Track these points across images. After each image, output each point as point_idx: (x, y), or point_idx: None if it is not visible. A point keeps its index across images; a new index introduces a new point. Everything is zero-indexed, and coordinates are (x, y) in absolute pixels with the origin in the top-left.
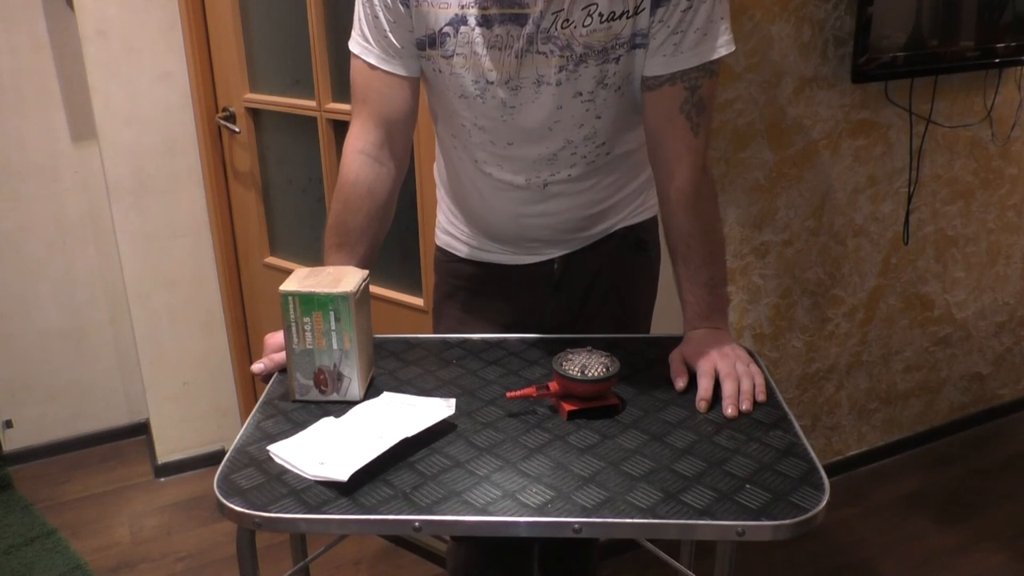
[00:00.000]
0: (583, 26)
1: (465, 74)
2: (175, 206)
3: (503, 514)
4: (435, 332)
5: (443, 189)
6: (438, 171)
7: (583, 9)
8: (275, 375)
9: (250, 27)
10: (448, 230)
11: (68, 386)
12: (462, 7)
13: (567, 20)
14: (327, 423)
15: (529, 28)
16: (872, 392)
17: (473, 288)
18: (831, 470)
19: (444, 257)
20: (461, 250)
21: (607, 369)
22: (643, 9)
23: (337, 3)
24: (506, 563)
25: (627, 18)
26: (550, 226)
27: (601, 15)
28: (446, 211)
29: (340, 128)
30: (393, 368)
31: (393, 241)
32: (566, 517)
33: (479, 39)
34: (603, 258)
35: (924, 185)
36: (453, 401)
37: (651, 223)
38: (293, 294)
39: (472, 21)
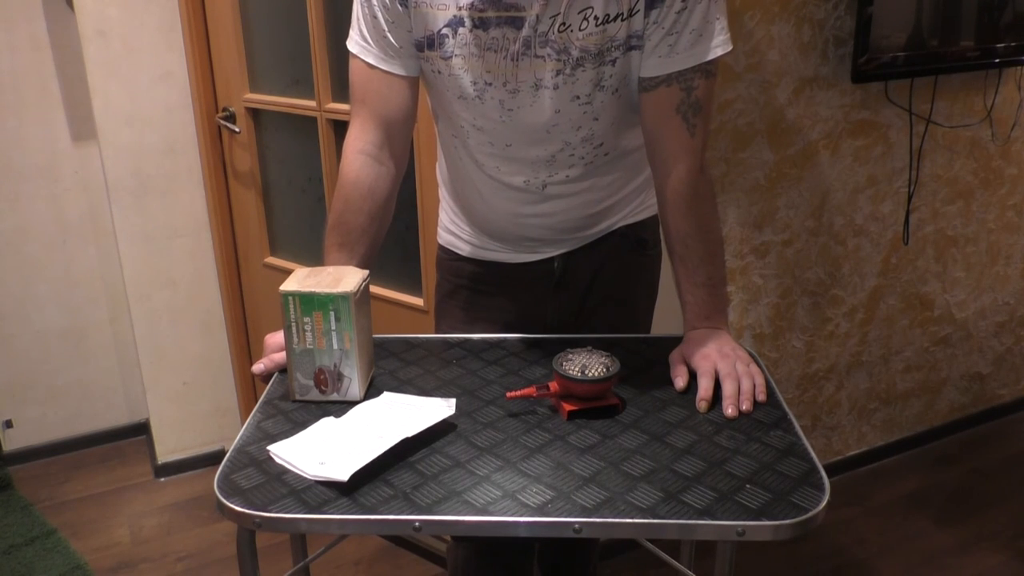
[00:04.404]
0: (579, 30)
1: (464, 75)
2: (175, 206)
3: (503, 514)
4: (437, 330)
5: (445, 188)
6: (440, 171)
7: (579, 13)
8: (275, 375)
9: (250, 27)
10: (450, 229)
11: (68, 386)
12: (460, 8)
13: (564, 24)
14: (327, 423)
15: (526, 31)
16: (872, 392)
17: (475, 286)
18: (831, 470)
19: (446, 255)
20: (463, 249)
21: (607, 369)
22: (637, 11)
23: (337, 3)
24: (506, 563)
25: (622, 20)
26: (549, 226)
27: (596, 18)
28: (448, 210)
29: (340, 128)
30: (393, 368)
31: (393, 241)
32: (566, 517)
33: (477, 41)
34: (603, 257)
35: (924, 185)
36: (453, 401)
37: (651, 222)
38: (293, 294)
39: (469, 23)
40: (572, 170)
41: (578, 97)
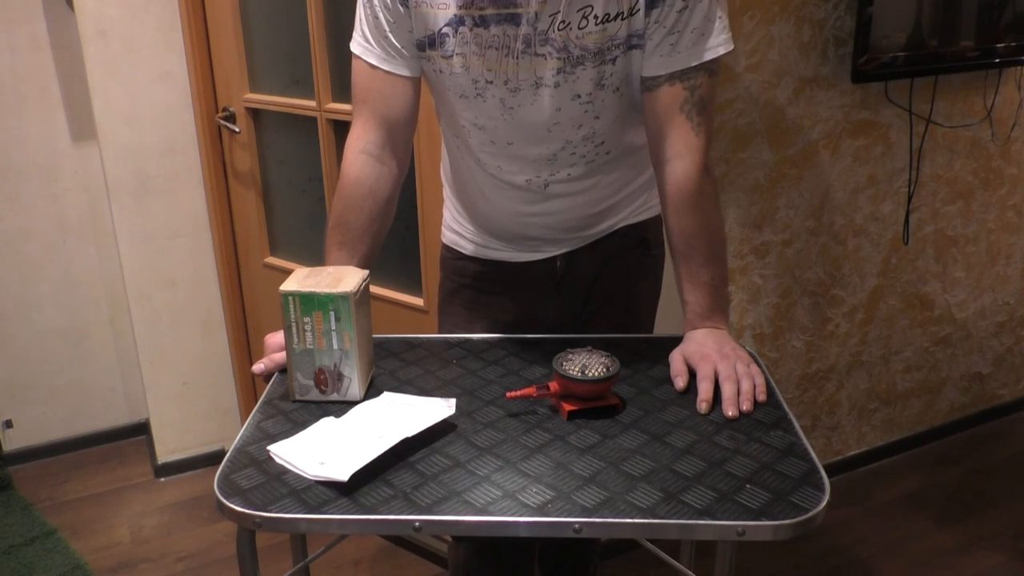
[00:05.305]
0: (579, 28)
1: (465, 74)
2: (175, 206)
3: (503, 514)
4: (440, 328)
5: (448, 187)
6: (443, 169)
7: (578, 11)
8: (275, 375)
9: (250, 27)
10: (453, 227)
11: (68, 386)
12: (460, 7)
13: (564, 22)
14: (327, 423)
15: (525, 29)
16: (872, 392)
17: (477, 285)
18: (831, 470)
19: (449, 254)
20: (466, 247)
21: (607, 369)
22: (638, 10)
23: (337, 3)
24: (506, 563)
25: (622, 19)
26: (551, 225)
27: (596, 17)
28: (451, 209)
29: (340, 128)
30: (393, 368)
31: (393, 241)
32: (566, 517)
33: (477, 39)
34: (606, 256)
35: (924, 185)
36: (453, 401)
37: (654, 222)
38: (293, 294)
39: (469, 21)
40: (574, 169)
41: (579, 96)
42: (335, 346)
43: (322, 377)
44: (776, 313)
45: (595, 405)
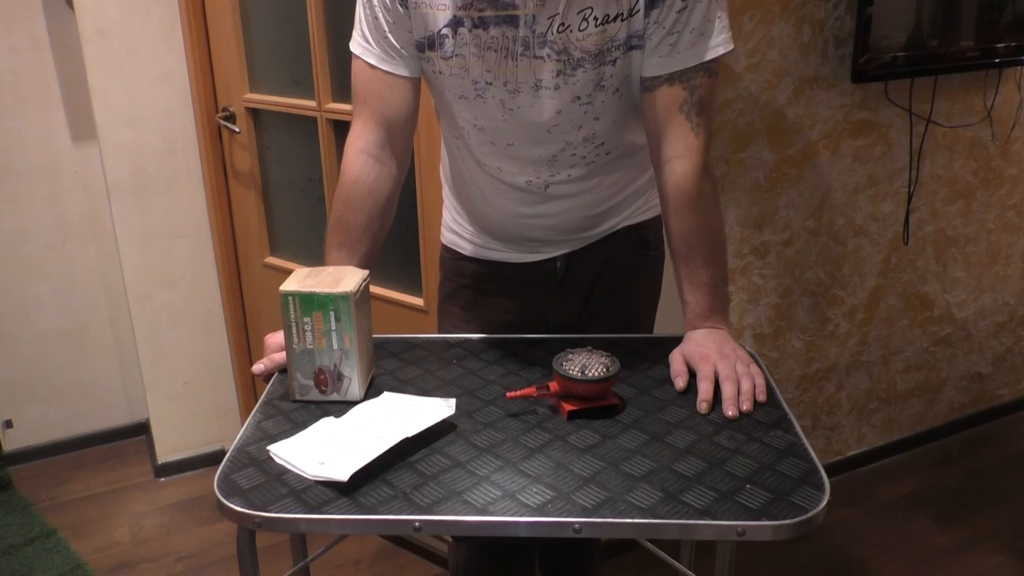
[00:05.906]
0: (579, 30)
1: (464, 75)
2: (175, 206)
3: (503, 514)
4: (440, 329)
5: (448, 188)
6: (443, 170)
7: (578, 13)
8: (275, 375)
9: (250, 27)
10: (453, 228)
11: (68, 386)
12: (459, 9)
13: (563, 24)
14: (327, 423)
15: (523, 31)
16: (872, 392)
17: (477, 286)
18: (831, 470)
19: (449, 255)
20: (466, 248)
21: (607, 369)
22: (637, 11)
23: (337, 3)
24: (506, 563)
25: (621, 20)
26: (551, 226)
27: (596, 19)
28: (451, 210)
29: (340, 128)
30: (393, 368)
31: (393, 241)
32: (566, 517)
33: (476, 41)
34: (606, 257)
35: (924, 185)
36: (453, 401)
37: (655, 222)
38: (293, 294)
39: (468, 23)
40: (574, 170)
41: (579, 97)
42: (335, 346)
43: (322, 377)
44: (776, 313)
45: (595, 405)
